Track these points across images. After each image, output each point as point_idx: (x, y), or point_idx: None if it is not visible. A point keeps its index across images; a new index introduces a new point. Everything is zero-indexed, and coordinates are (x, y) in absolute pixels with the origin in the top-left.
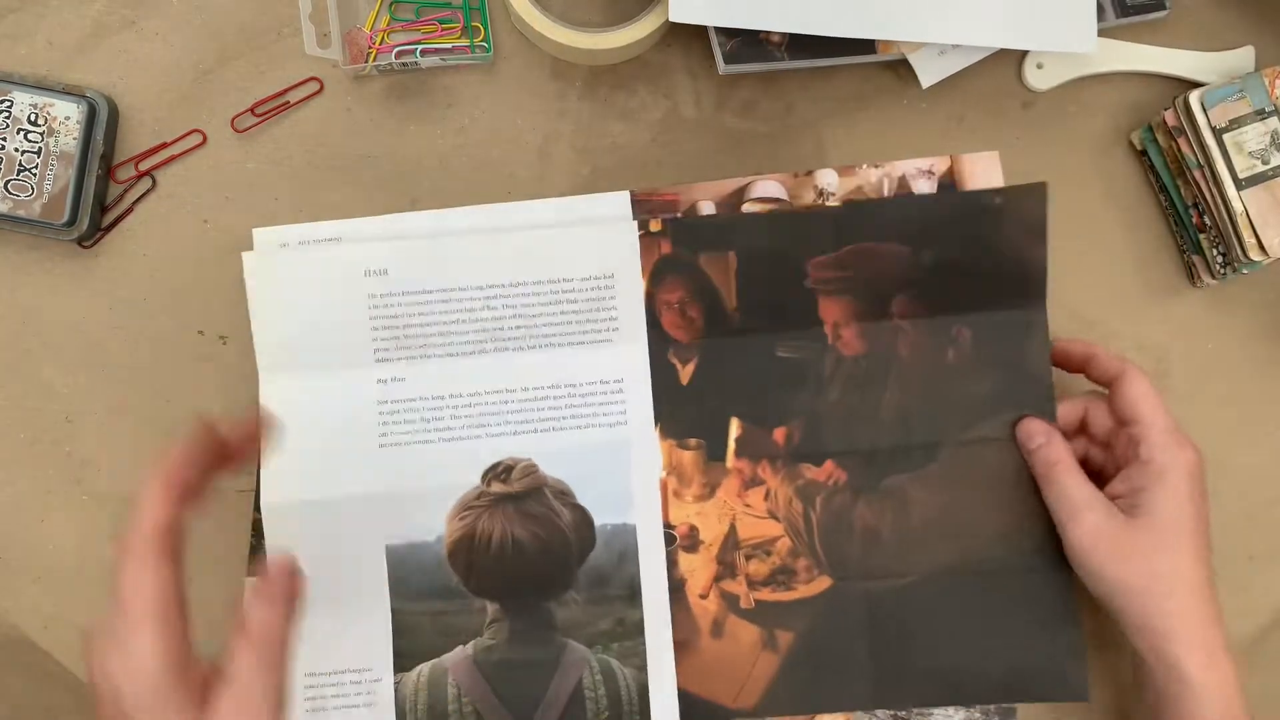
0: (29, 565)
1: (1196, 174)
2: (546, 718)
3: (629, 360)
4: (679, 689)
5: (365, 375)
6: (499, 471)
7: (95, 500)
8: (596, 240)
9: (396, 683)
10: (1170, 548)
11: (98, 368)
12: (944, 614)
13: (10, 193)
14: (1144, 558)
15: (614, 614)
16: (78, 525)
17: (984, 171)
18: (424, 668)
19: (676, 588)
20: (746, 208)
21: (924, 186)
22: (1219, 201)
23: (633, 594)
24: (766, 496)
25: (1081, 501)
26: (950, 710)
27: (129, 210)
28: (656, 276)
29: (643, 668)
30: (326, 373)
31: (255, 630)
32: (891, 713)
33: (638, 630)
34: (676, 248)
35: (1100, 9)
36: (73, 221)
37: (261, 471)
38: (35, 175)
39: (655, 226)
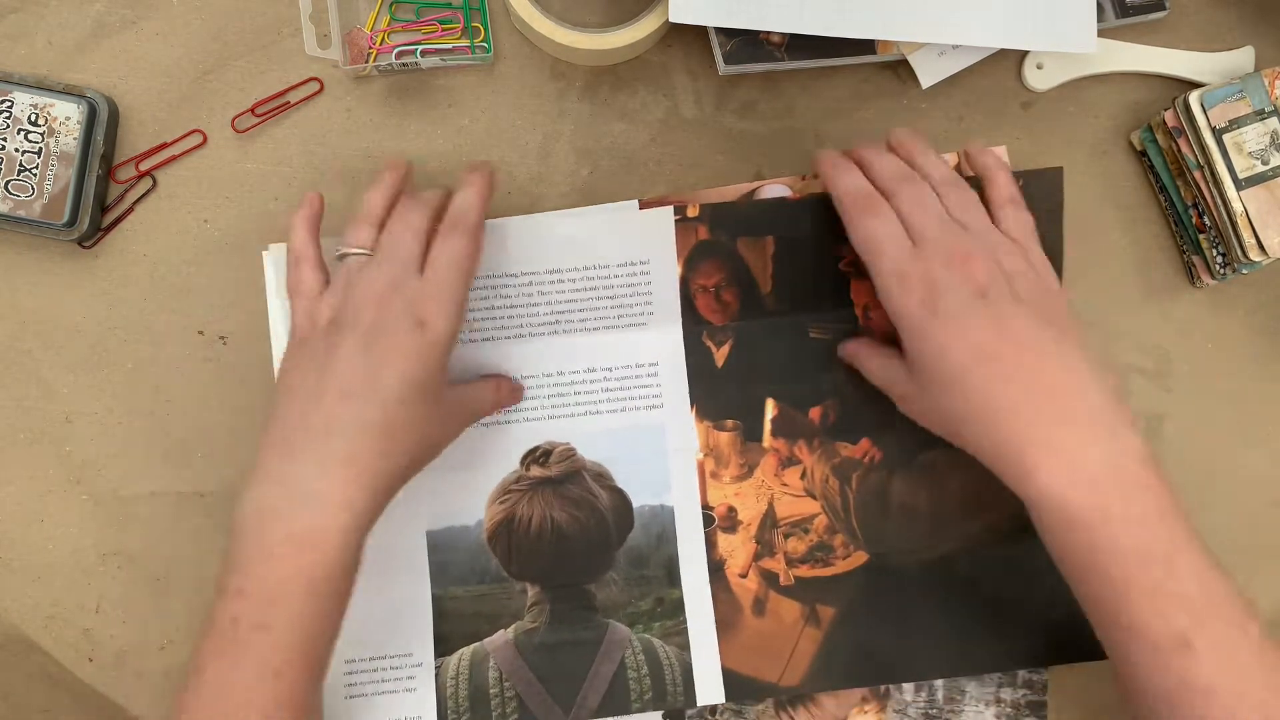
0: (29, 565)
1: (1196, 174)
2: (589, 699)
3: (664, 343)
4: (723, 668)
5: None
6: (537, 455)
7: (95, 500)
8: (633, 226)
9: (437, 667)
10: (939, 385)
11: (98, 368)
12: (979, 583)
13: (10, 193)
14: (930, 401)
15: (654, 593)
16: (78, 525)
17: None
18: (465, 652)
19: (716, 568)
20: None
21: None
22: (1219, 202)
23: (671, 574)
24: (803, 475)
25: (886, 381)
26: (981, 707)
27: (129, 210)
28: (692, 261)
29: (686, 646)
30: None
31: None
32: (924, 711)
33: (678, 608)
34: (715, 233)
35: (1100, 9)
36: (73, 222)
37: None
38: (35, 175)
39: (692, 212)
